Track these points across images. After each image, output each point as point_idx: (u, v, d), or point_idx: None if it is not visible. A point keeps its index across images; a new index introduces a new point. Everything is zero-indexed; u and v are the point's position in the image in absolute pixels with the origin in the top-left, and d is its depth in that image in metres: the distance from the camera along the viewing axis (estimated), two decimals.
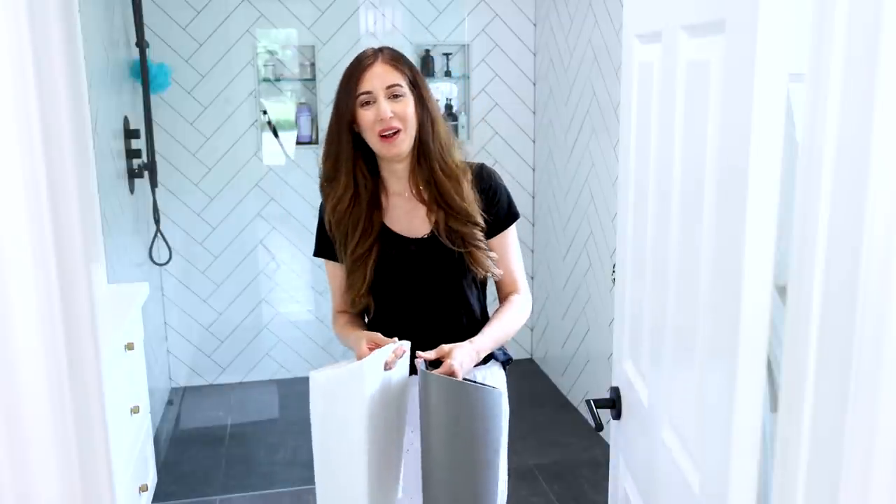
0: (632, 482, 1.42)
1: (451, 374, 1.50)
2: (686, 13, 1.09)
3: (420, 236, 1.68)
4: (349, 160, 1.65)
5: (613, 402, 1.49)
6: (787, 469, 0.79)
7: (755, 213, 0.86)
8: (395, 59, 1.64)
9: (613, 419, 1.51)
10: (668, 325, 1.18)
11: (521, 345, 4.54)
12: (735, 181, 0.89)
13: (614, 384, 1.52)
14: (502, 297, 1.77)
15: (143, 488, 2.61)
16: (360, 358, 1.56)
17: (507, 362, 1.82)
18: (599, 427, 1.46)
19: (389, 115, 1.58)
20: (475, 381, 1.58)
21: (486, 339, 1.65)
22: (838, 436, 0.71)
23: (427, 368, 1.53)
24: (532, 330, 4.54)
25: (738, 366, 0.90)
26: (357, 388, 1.48)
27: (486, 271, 1.69)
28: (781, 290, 0.91)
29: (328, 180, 1.69)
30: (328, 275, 1.81)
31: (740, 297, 0.89)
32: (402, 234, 1.69)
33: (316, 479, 1.61)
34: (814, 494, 0.76)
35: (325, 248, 1.76)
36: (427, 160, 1.66)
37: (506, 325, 1.70)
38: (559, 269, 4.02)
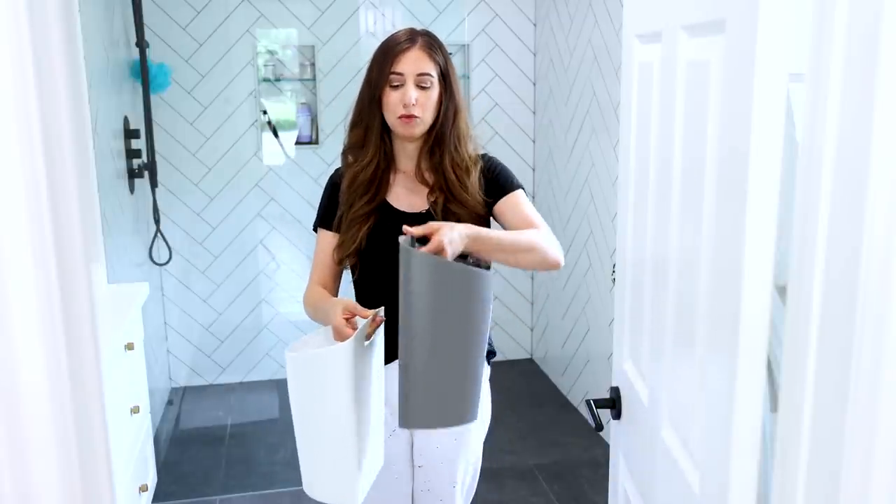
0: (632, 482, 1.42)
1: (440, 250, 1.39)
2: (686, 13, 1.09)
3: (417, 212, 1.72)
4: (378, 131, 1.71)
5: (613, 402, 1.49)
6: (787, 469, 0.79)
7: (755, 212, 0.86)
8: (431, 46, 1.69)
9: (613, 419, 1.51)
10: (668, 325, 1.18)
11: (521, 345, 4.53)
12: (735, 181, 0.89)
13: (614, 384, 1.52)
14: None
15: (143, 488, 2.61)
16: (336, 327, 1.53)
17: (490, 354, 1.77)
18: (599, 427, 1.46)
19: (413, 102, 1.64)
20: (468, 259, 1.49)
21: (486, 231, 1.54)
22: (838, 436, 0.71)
23: (413, 245, 1.40)
24: (532, 330, 4.53)
25: (738, 366, 0.90)
26: (342, 365, 1.44)
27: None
28: (781, 290, 0.91)
29: (355, 148, 1.74)
30: (319, 245, 1.80)
31: (740, 297, 0.89)
32: (401, 209, 1.73)
33: (300, 454, 1.60)
34: (814, 494, 0.76)
35: (327, 219, 1.78)
36: (440, 148, 1.71)
37: (514, 233, 1.62)
38: (559, 270, 4.01)
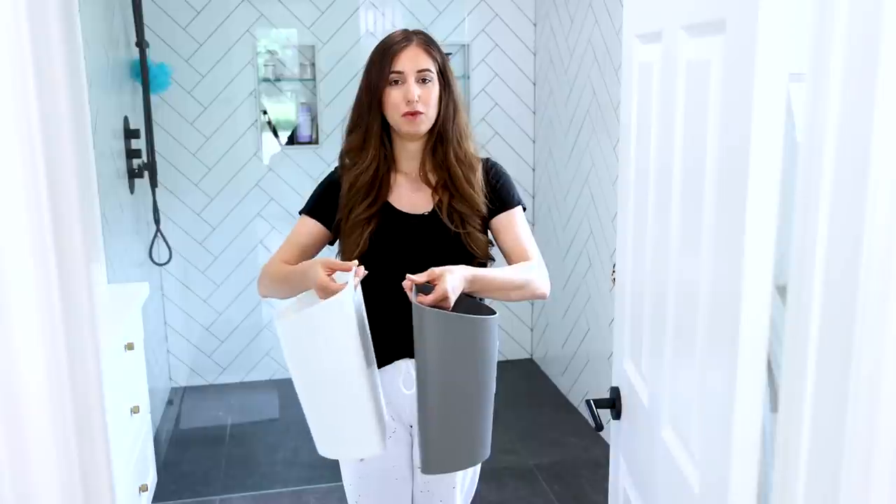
0: (632, 482, 1.42)
1: (444, 297, 1.46)
2: (686, 13, 1.09)
3: (421, 213, 1.73)
4: (378, 134, 1.71)
5: (613, 402, 1.49)
6: (787, 469, 0.79)
7: (755, 212, 0.86)
8: (428, 43, 1.71)
9: (613, 419, 1.51)
10: (669, 325, 1.18)
11: (521, 345, 4.53)
12: (735, 181, 0.89)
13: (614, 384, 1.52)
14: None
15: (143, 488, 2.61)
16: (320, 283, 1.52)
17: None
18: (599, 427, 1.46)
19: (416, 98, 1.65)
20: (472, 298, 1.57)
21: (482, 272, 1.59)
22: (838, 436, 0.71)
23: (417, 293, 1.48)
24: (532, 330, 4.53)
25: (738, 366, 0.90)
26: (346, 313, 1.45)
27: (483, 252, 1.71)
28: (781, 290, 0.91)
29: (354, 150, 1.73)
30: (297, 229, 1.77)
31: (740, 296, 0.88)
32: (404, 210, 1.73)
33: (310, 419, 1.59)
34: (814, 494, 0.76)
35: (316, 211, 1.76)
36: (444, 145, 1.72)
37: (507, 271, 1.66)
38: (559, 269, 4.02)
